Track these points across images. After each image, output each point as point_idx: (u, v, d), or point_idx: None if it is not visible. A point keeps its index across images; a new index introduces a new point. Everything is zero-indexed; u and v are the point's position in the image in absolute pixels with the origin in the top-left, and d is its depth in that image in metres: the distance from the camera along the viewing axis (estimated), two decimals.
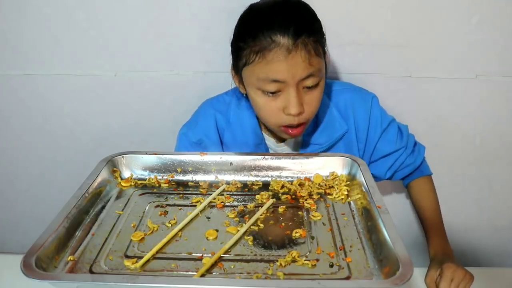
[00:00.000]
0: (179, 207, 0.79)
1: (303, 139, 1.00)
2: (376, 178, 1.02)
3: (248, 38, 0.84)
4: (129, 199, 0.81)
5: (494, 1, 1.01)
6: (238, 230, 0.71)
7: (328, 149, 1.00)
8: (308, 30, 0.82)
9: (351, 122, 1.00)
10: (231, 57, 0.91)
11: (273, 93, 0.85)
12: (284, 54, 0.80)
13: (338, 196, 0.81)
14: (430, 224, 1.01)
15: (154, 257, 0.66)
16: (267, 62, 0.81)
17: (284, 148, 1.02)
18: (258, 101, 0.88)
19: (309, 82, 0.84)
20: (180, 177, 0.88)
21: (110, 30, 1.08)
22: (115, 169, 0.86)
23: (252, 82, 0.86)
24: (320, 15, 0.87)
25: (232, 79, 0.94)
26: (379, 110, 1.02)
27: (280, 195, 0.83)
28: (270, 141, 1.02)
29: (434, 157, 1.17)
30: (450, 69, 1.10)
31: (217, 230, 0.72)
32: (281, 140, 1.01)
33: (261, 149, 1.00)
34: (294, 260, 0.65)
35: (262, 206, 0.78)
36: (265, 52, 0.81)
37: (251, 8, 0.88)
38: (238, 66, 0.89)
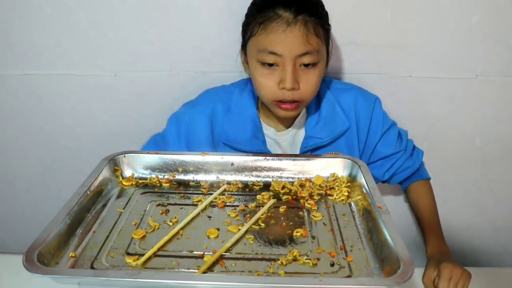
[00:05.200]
0: (180, 206, 0.79)
1: (305, 132, 1.00)
2: (374, 179, 1.03)
3: (255, 12, 0.89)
4: (130, 198, 0.81)
5: (494, 1, 1.02)
6: (240, 229, 0.71)
7: (329, 144, 0.99)
8: (311, 11, 0.86)
9: (353, 121, 1.00)
10: (241, 39, 0.94)
11: (270, 65, 0.88)
12: (284, 27, 0.84)
13: (339, 197, 0.81)
14: (427, 224, 1.01)
15: (155, 255, 0.66)
16: (268, 33, 0.86)
17: (284, 138, 1.01)
18: (256, 74, 0.90)
19: (306, 59, 0.87)
20: (182, 177, 0.88)
21: (110, 30, 1.08)
22: (116, 168, 0.86)
23: (253, 54, 0.90)
24: None
25: (242, 63, 0.98)
26: (381, 112, 1.03)
27: (281, 195, 0.83)
28: (270, 130, 1.02)
29: (434, 157, 1.17)
30: (450, 69, 1.10)
31: (218, 229, 0.72)
32: (281, 129, 1.02)
33: (259, 139, 0.99)
34: (295, 259, 0.65)
35: (263, 206, 0.78)
36: (267, 23, 0.86)
37: None
38: (244, 42, 0.93)
